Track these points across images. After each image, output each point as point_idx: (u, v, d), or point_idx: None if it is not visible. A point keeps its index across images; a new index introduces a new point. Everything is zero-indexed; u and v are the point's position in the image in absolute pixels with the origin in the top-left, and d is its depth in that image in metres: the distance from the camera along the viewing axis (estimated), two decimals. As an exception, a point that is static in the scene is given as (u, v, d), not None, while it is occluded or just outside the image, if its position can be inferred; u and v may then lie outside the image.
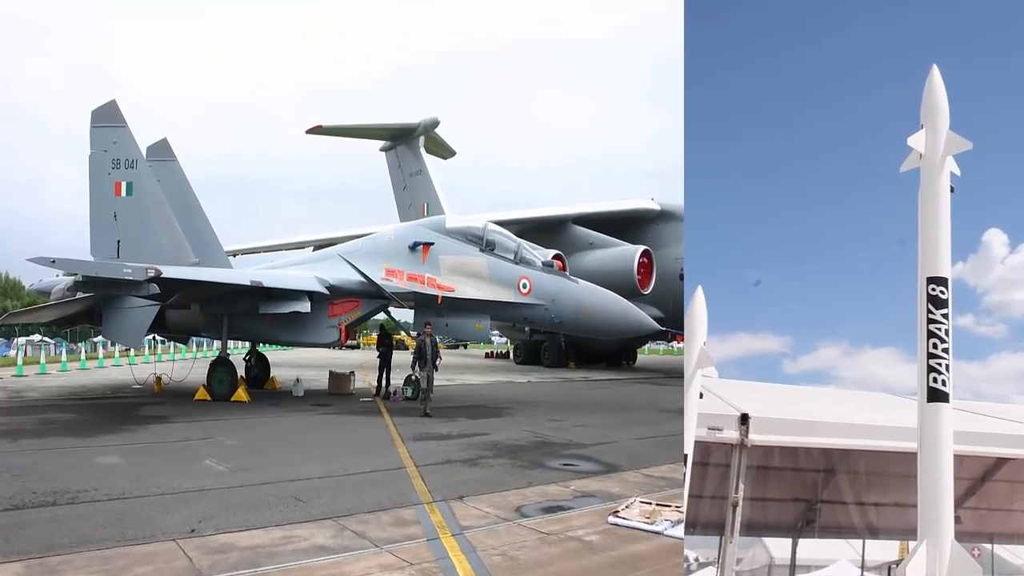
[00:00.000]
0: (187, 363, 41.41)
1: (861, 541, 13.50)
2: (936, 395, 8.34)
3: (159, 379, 34.11)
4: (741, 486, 10.47)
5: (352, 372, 34.78)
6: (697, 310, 10.21)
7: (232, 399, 28.69)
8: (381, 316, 34.74)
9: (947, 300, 8.45)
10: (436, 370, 26.89)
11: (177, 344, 56.40)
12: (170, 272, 25.60)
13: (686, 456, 9.89)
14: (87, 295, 27.53)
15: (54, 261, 24.26)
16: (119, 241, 29.92)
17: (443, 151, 78.43)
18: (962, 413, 11.28)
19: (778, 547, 13.83)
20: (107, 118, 30.53)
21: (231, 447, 18.81)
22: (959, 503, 11.69)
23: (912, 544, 8.66)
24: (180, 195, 32.91)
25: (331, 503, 12.81)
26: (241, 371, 32.28)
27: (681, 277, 49.58)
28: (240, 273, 31.06)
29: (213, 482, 14.36)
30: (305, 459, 17.21)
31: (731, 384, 12.67)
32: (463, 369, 56.53)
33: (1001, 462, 13.19)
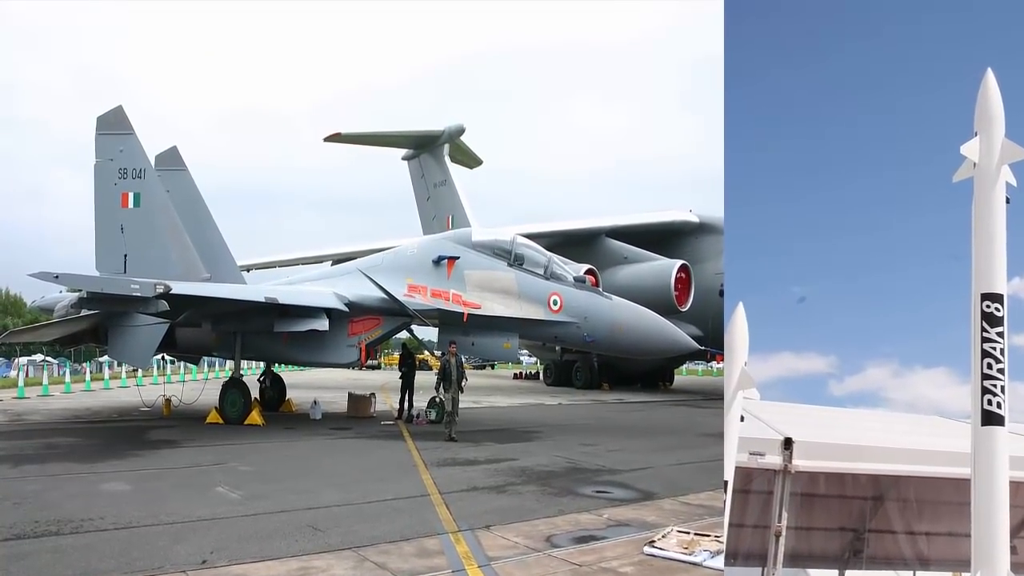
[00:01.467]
0: (198, 384, 41.62)
1: (911, 573, 13.46)
2: (991, 418, 8.34)
3: (168, 401, 34.20)
4: (784, 514, 10.49)
5: (372, 394, 34.84)
6: (738, 328, 10.23)
7: (246, 422, 28.83)
8: (403, 334, 34.81)
9: (1002, 318, 8.45)
10: (462, 392, 26.90)
11: (187, 364, 56.81)
12: (180, 288, 25.54)
13: (726, 483, 9.90)
14: (92, 312, 27.52)
15: (57, 276, 24.23)
16: (126, 255, 30.08)
17: (469, 160, 78.57)
18: (1018, 437, 11.27)
19: (824, 580, 13.81)
20: (113, 125, 30.71)
21: (245, 473, 18.92)
22: (1015, 532, 11.66)
23: (966, 576, 8.66)
24: (190, 206, 33.08)
25: (350, 532, 12.87)
26: (255, 393, 32.39)
27: (721, 293, 49.49)
28: (254, 289, 31.12)
29: (226, 510, 14.45)
30: (323, 486, 17.28)
31: (774, 406, 12.68)
32: (490, 391, 56.60)
33: (1060, 489, 13.14)
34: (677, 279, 51.23)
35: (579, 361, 61.62)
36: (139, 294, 24.32)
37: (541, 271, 29.65)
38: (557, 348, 58.08)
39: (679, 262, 52.24)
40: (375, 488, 16.95)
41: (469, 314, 29.42)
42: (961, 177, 8.90)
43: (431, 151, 74.70)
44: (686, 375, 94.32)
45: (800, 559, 12.88)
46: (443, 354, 28.40)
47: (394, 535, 12.67)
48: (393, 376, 38.98)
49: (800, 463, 10.61)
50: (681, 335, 29.71)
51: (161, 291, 24.32)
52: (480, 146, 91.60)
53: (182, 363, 58.78)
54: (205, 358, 45.27)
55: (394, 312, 30.10)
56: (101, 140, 30.78)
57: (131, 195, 30.38)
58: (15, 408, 36.18)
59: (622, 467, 20.74)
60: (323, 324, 28.48)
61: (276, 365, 37.26)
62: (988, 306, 8.44)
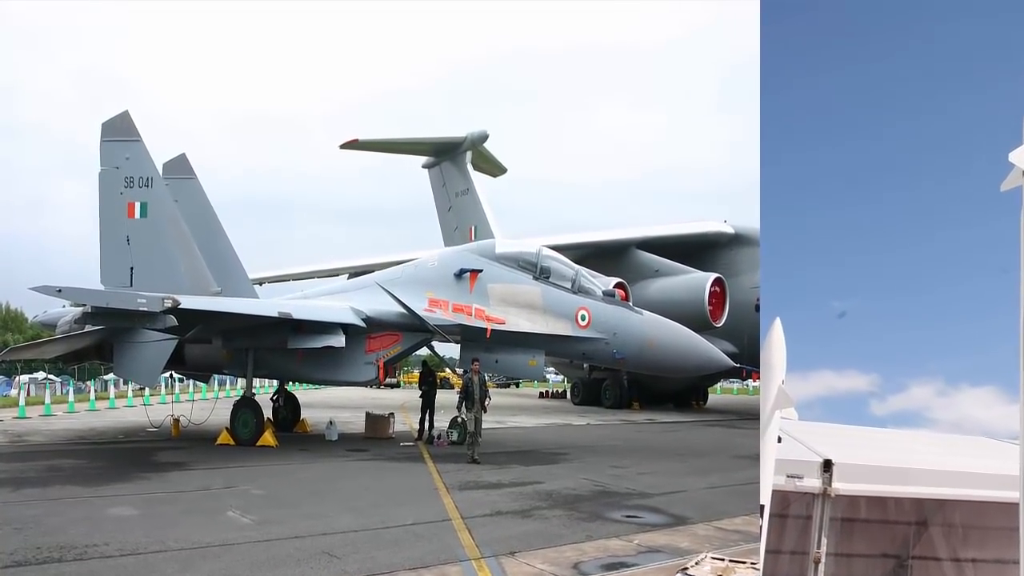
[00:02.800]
0: (208, 404, 41.74)
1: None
2: (1040, 439, 8.33)
3: (177, 421, 34.25)
4: (824, 540, 10.50)
5: (391, 414, 34.83)
6: (775, 345, 10.25)
7: (258, 444, 28.83)
8: (424, 351, 34.83)
9: (1053, 333, 8.43)
10: (485, 411, 26.94)
11: (197, 383, 57.01)
12: (189, 302, 25.67)
13: (763, 507, 9.91)
14: (97, 328, 27.53)
15: (60, 290, 24.28)
16: (132, 268, 30.19)
17: (493, 168, 78.54)
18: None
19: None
20: (119, 131, 30.83)
21: (257, 497, 19.00)
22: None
23: (1015, 605, 8.65)
24: (200, 217, 33.21)
25: (368, 559, 12.90)
26: (268, 412, 32.49)
27: (757, 308, 49.29)
28: (267, 304, 31.28)
29: (237, 536, 14.50)
30: (339, 510, 17.35)
31: (813, 427, 12.71)
32: (515, 410, 56.53)
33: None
34: (711, 293, 51.07)
35: (608, 379, 61.52)
36: (146, 309, 24.34)
37: (568, 285, 29.63)
38: (585, 366, 58.07)
39: (713, 275, 52.12)
40: (394, 513, 16.98)
41: (493, 330, 29.39)
42: (1009, 186, 8.88)
43: (453, 159, 74.74)
44: (720, 394, 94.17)
45: (840, 587, 12.87)
46: (465, 372, 28.42)
47: (414, 562, 12.70)
48: (413, 395, 38.99)
49: (840, 486, 10.62)
50: (715, 352, 29.63)
51: (169, 306, 24.37)
52: (504, 153, 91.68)
53: (191, 381, 59.08)
54: (215, 376, 45.34)
55: (414, 328, 30.12)
56: (106, 147, 30.89)
57: (138, 205, 30.48)
58: (16, 428, 36.32)
59: (653, 490, 20.77)
60: (339, 340, 28.49)
61: (290, 383, 37.35)
62: (1038, 321, 8.42)
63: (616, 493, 20.32)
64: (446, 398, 35.63)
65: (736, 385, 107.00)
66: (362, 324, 29.18)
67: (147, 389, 54.51)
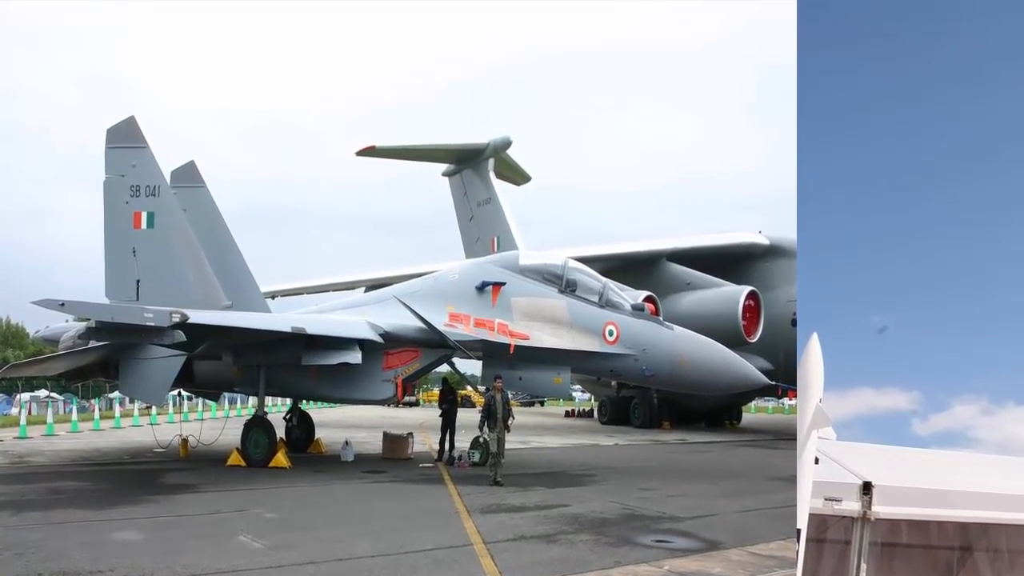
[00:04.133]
0: (218, 423, 41.85)
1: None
2: (1091, 460, 8.34)
3: (185, 441, 34.39)
4: (863, 566, 10.49)
5: (410, 434, 34.85)
6: (812, 361, 10.24)
7: (270, 465, 28.91)
8: (444, 368, 34.86)
9: (1103, 348, 8.45)
10: (508, 431, 26.90)
11: (206, 401, 57.13)
12: (198, 317, 25.62)
13: (799, 531, 9.92)
14: (101, 344, 27.55)
15: (63, 304, 24.21)
16: (138, 281, 30.29)
17: (516, 176, 78.53)
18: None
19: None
20: (125, 137, 30.96)
21: (269, 520, 19.04)
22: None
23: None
24: (209, 227, 33.31)
25: (385, 585, 12.92)
26: (281, 432, 32.55)
27: (794, 323, 49.26)
28: (280, 318, 31.27)
29: (248, 561, 14.54)
30: (355, 535, 17.38)
31: (851, 447, 12.66)
32: (540, 430, 56.58)
33: None
34: (745, 307, 50.96)
35: (637, 397, 61.39)
36: (153, 324, 24.24)
37: (595, 298, 29.60)
38: (613, 383, 58.06)
39: (747, 288, 52.03)
40: (413, 537, 16.99)
41: (516, 346, 29.37)
42: (1057, 194, 8.90)
43: (474, 166, 74.74)
44: (755, 413, 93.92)
45: (880, 615, 12.83)
46: (487, 390, 28.30)
47: (433, 588, 12.73)
48: (433, 414, 39.05)
49: (880, 509, 10.61)
50: (750, 369, 29.52)
51: (177, 320, 24.30)
52: (528, 161, 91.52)
53: (200, 400, 59.23)
54: (226, 394, 45.42)
55: (434, 343, 30.11)
56: (111, 154, 31.01)
57: (144, 214, 30.56)
58: (17, 449, 36.51)
59: (684, 514, 20.72)
60: (356, 357, 28.47)
61: (304, 402, 37.38)
62: (1087, 336, 8.45)
63: (645, 517, 20.28)
64: (467, 417, 35.68)
65: (771, 404, 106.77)
66: (379, 340, 29.15)
67: (154, 408, 54.67)
